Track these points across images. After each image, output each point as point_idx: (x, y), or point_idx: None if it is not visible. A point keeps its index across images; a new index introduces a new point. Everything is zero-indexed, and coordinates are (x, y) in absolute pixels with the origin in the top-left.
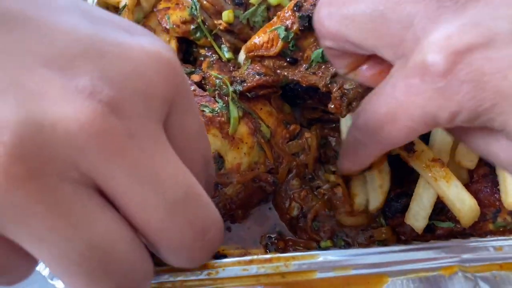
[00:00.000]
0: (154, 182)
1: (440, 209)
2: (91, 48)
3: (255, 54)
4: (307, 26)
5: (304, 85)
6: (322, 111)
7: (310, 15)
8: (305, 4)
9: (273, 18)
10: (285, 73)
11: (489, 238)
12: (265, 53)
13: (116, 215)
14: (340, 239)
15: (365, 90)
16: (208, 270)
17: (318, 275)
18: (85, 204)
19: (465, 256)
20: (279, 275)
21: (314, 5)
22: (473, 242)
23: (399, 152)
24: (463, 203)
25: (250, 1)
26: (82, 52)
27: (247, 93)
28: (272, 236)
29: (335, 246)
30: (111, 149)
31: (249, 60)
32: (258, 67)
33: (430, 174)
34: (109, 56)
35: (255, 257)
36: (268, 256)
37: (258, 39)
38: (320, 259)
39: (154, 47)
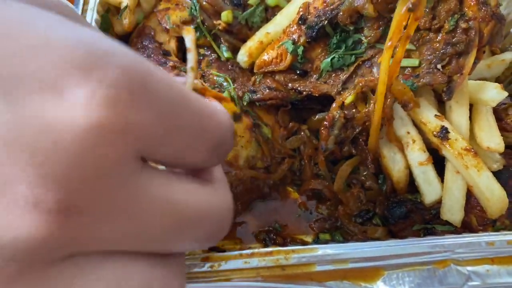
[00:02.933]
0: (144, 240)
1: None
2: (18, 145)
3: (265, 70)
4: (314, 37)
5: (316, 94)
6: (319, 111)
7: (316, 26)
8: (309, 16)
9: (271, 18)
10: (297, 86)
11: (481, 233)
12: (275, 68)
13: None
14: (338, 233)
15: None
16: (210, 262)
17: (317, 268)
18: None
19: (459, 250)
20: (279, 268)
21: (318, 16)
22: (466, 237)
23: (432, 140)
24: (492, 193)
25: (248, 2)
26: (9, 153)
27: (256, 102)
28: (270, 230)
29: (333, 240)
30: (85, 243)
31: (261, 75)
32: (269, 82)
33: (461, 162)
34: (41, 149)
35: (256, 250)
36: (269, 249)
37: (267, 55)
38: (319, 252)
39: (91, 110)
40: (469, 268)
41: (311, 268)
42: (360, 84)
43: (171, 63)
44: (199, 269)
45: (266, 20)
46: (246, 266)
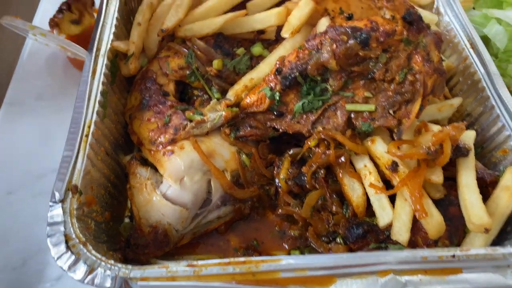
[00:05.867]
0: None
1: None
2: None
3: (248, 111)
4: (287, 85)
5: (290, 132)
6: (294, 144)
7: (289, 77)
8: (284, 68)
9: (255, 66)
10: (274, 124)
11: (417, 249)
12: (256, 109)
13: None
14: (307, 250)
15: None
16: (194, 268)
17: (282, 274)
18: None
19: (398, 263)
20: (250, 274)
21: (291, 69)
22: (405, 252)
23: (385, 172)
24: (431, 217)
25: (236, 52)
26: None
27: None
28: (249, 246)
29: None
30: None
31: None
32: (251, 121)
33: (408, 191)
34: None
35: (232, 259)
36: (242, 259)
37: (249, 99)
38: (283, 262)
39: None
40: (406, 277)
41: (277, 275)
42: (320, 134)
43: (169, 103)
44: (184, 273)
45: (251, 67)
46: (223, 272)
